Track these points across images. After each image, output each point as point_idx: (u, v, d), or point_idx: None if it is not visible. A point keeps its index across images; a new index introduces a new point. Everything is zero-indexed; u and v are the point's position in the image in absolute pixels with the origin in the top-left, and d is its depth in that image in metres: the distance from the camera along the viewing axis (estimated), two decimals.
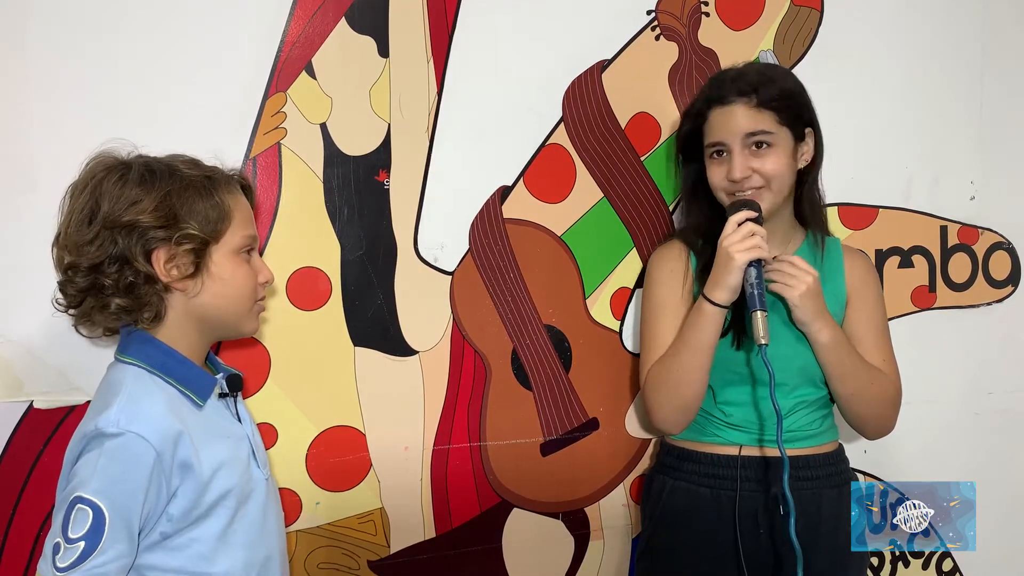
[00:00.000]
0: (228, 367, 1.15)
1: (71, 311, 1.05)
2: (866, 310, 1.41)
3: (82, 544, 0.93)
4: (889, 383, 1.40)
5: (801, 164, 1.37)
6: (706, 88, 1.39)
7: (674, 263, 1.43)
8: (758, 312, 1.25)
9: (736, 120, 1.32)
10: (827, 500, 1.38)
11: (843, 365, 1.34)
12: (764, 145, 1.31)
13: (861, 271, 1.44)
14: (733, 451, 1.38)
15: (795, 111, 1.34)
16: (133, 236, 0.99)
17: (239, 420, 1.13)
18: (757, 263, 1.26)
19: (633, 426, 1.59)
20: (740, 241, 1.26)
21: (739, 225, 1.27)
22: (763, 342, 1.24)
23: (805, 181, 1.38)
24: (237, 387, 1.13)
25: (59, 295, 1.04)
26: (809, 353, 1.35)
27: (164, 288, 1.03)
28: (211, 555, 1.03)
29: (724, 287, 1.27)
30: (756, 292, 1.26)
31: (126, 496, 0.95)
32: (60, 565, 0.93)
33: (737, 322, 1.35)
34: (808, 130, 1.36)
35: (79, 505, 0.94)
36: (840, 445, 1.46)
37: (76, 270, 1.01)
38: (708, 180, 1.38)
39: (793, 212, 1.41)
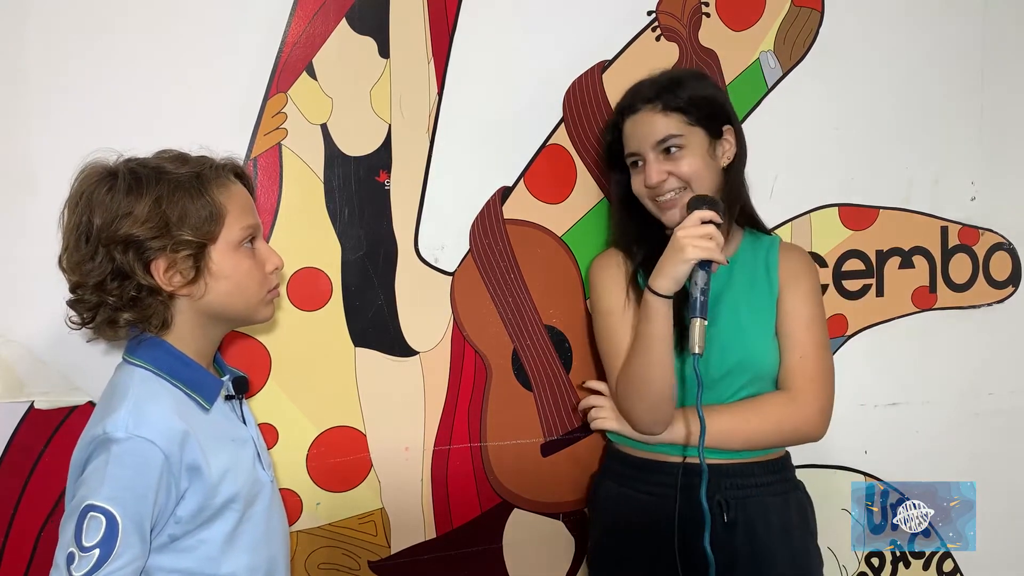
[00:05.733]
0: (234, 369, 1.15)
1: (86, 327, 1.05)
2: (794, 303, 1.36)
3: (97, 552, 0.92)
4: (777, 406, 1.33)
5: (723, 162, 1.35)
6: (620, 99, 1.40)
7: (614, 269, 1.41)
8: (698, 320, 1.21)
9: (645, 127, 1.33)
10: (773, 508, 1.34)
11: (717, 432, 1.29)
12: (675, 148, 1.31)
13: (793, 265, 1.39)
14: (676, 459, 1.34)
15: (706, 111, 1.32)
16: (129, 251, 0.99)
17: (244, 423, 1.13)
18: (707, 267, 1.23)
19: None
20: (698, 237, 1.22)
21: (702, 223, 1.24)
22: (697, 351, 1.21)
23: (729, 179, 1.36)
24: (243, 389, 1.13)
25: (71, 313, 1.04)
26: (753, 351, 1.33)
27: (168, 296, 1.02)
28: (218, 557, 1.03)
29: (669, 277, 1.23)
30: (700, 299, 1.22)
31: (137, 500, 0.95)
32: (77, 574, 0.92)
33: (678, 329, 1.31)
34: (727, 128, 1.35)
35: (91, 513, 0.93)
36: (786, 453, 1.41)
37: (83, 289, 1.01)
38: (633, 189, 1.37)
39: (727, 214, 1.37)
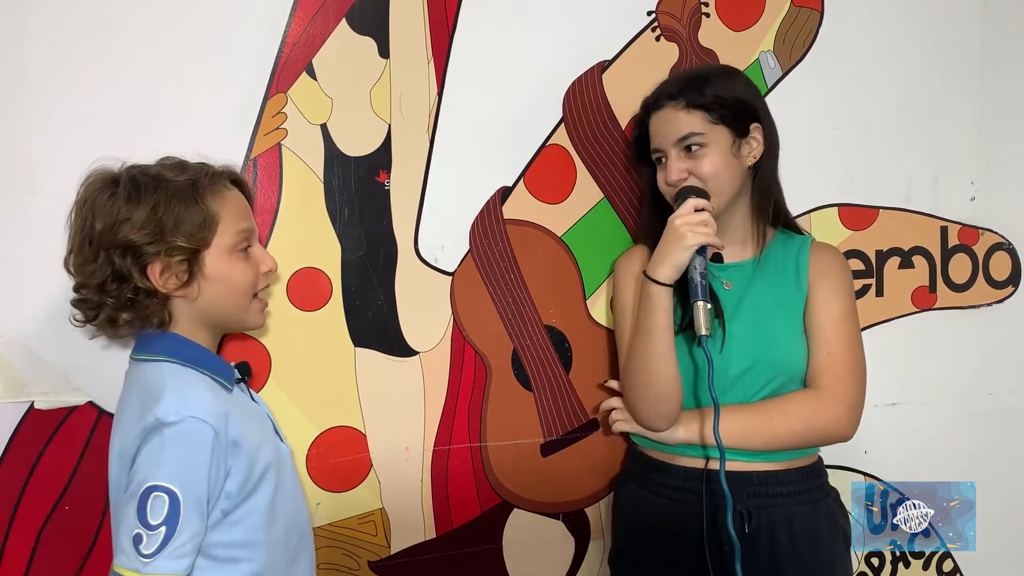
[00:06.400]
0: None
1: (89, 325, 1.10)
2: (824, 300, 1.33)
3: (163, 529, 0.97)
4: (801, 404, 1.30)
5: (748, 161, 1.33)
6: (648, 95, 1.39)
7: (636, 266, 1.41)
8: (700, 303, 1.22)
9: (667, 124, 1.32)
10: (799, 517, 1.31)
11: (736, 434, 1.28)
12: (696, 147, 1.30)
13: (824, 262, 1.37)
14: (699, 464, 1.33)
15: (731, 109, 1.30)
16: (128, 255, 1.04)
17: (255, 402, 1.20)
18: (704, 252, 1.24)
19: None
20: (695, 224, 1.23)
21: (696, 210, 1.25)
22: (703, 332, 1.21)
23: (757, 178, 1.35)
24: (248, 373, 1.20)
25: (75, 311, 1.09)
26: (775, 348, 1.31)
27: (164, 298, 1.07)
28: (263, 525, 1.08)
29: (669, 264, 1.24)
30: (701, 282, 1.23)
31: (195, 477, 1.00)
32: (146, 552, 0.96)
33: (687, 319, 1.31)
34: (754, 126, 1.32)
35: (155, 493, 0.98)
36: (819, 458, 1.38)
37: (86, 289, 1.07)
38: (658, 184, 1.37)
39: (754, 212, 1.37)
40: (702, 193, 1.28)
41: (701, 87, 1.31)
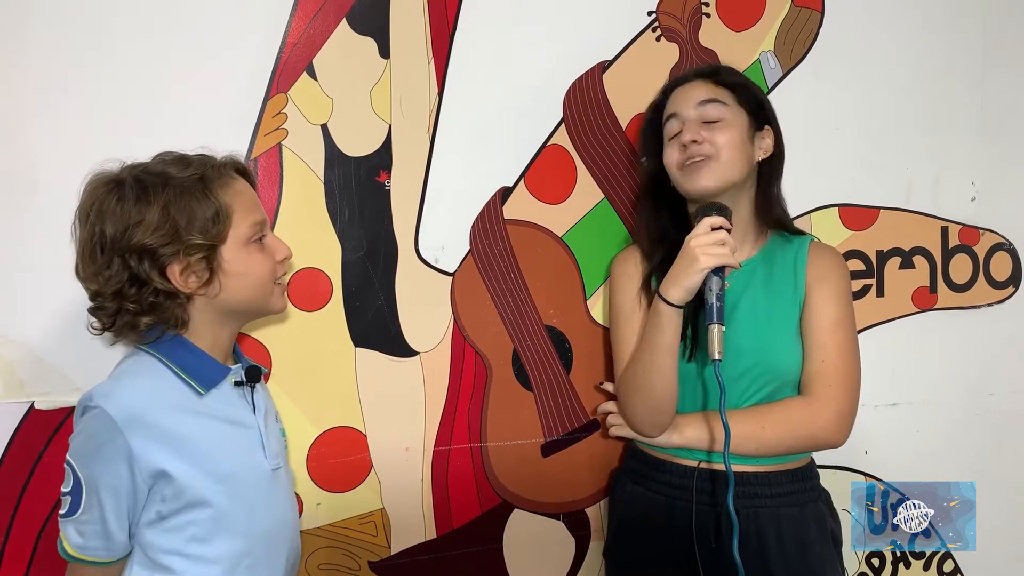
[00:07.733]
0: (250, 360, 1.17)
1: (106, 332, 1.08)
2: (820, 304, 1.32)
3: (69, 499, 1.02)
4: (792, 411, 1.30)
5: (759, 155, 1.34)
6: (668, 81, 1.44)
7: (631, 267, 1.41)
8: (715, 326, 1.20)
9: (693, 91, 1.35)
10: (787, 519, 1.30)
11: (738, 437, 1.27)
12: (716, 118, 1.31)
13: (822, 265, 1.35)
14: (691, 462, 1.33)
15: (754, 99, 1.35)
16: (144, 259, 1.02)
17: (254, 410, 1.14)
18: (721, 272, 1.22)
19: None
20: (710, 245, 1.21)
21: (712, 230, 1.23)
22: (716, 357, 1.19)
23: (763, 177, 1.36)
24: (254, 378, 1.14)
25: (93, 320, 1.07)
26: (771, 353, 1.31)
27: (186, 298, 1.06)
28: (206, 537, 1.05)
29: (681, 287, 1.22)
30: (716, 304, 1.20)
31: (92, 464, 1.01)
32: (60, 512, 1.04)
33: (691, 334, 1.31)
34: (768, 127, 1.36)
35: (65, 464, 1.03)
36: (811, 461, 1.38)
37: (103, 297, 1.04)
38: (665, 165, 1.36)
39: (755, 212, 1.37)
40: (723, 210, 1.26)
41: (728, 73, 1.37)
